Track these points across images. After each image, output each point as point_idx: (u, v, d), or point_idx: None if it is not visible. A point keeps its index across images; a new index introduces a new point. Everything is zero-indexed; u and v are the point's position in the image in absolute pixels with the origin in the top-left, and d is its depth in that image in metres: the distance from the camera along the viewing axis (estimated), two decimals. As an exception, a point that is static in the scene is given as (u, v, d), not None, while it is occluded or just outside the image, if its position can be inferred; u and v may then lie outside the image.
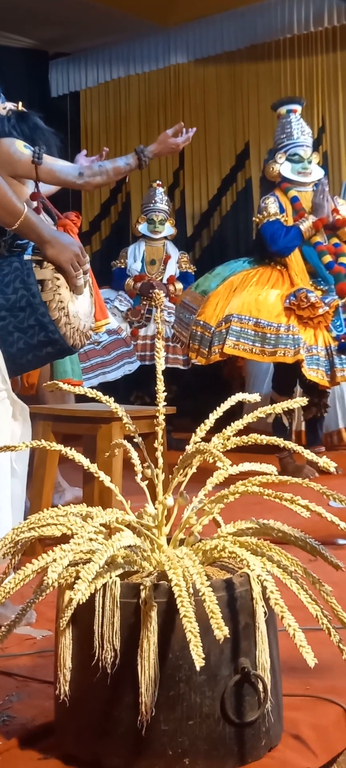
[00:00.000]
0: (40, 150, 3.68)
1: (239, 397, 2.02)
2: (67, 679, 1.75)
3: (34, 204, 3.90)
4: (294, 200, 5.72)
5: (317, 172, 5.84)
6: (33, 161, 3.67)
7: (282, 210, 5.66)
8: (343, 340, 5.44)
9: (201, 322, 5.47)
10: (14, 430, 2.71)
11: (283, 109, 5.95)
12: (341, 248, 5.75)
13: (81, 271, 2.84)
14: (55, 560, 1.67)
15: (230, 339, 5.28)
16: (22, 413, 2.74)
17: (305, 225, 5.60)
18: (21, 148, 3.68)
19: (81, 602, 1.62)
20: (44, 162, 3.70)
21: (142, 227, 7.65)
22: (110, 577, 1.72)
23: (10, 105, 3.89)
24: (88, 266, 2.90)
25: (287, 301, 5.31)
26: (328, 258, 5.62)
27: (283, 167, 5.75)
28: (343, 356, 5.39)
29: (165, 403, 1.95)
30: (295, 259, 5.57)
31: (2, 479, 2.64)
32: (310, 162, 5.79)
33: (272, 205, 5.66)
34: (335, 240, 5.78)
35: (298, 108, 5.97)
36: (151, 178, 8.70)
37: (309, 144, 5.87)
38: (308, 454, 1.91)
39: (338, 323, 5.48)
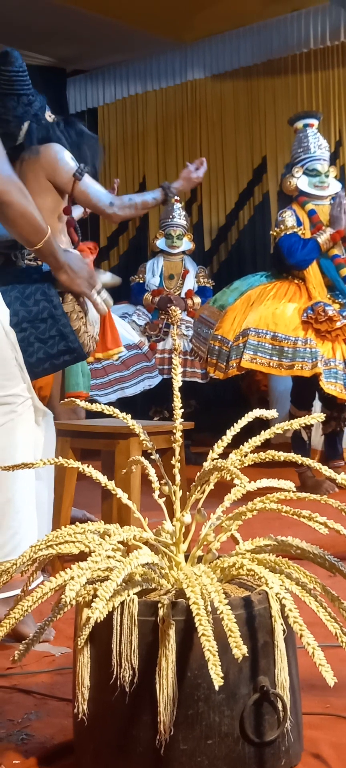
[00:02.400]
0: (83, 168, 3.86)
1: (256, 413, 2.01)
2: (86, 698, 1.75)
3: (67, 218, 4.03)
4: (311, 213, 5.71)
5: (334, 186, 5.83)
6: (74, 175, 3.85)
7: (299, 223, 5.65)
8: None
9: (219, 337, 5.46)
10: (37, 437, 2.74)
11: (300, 124, 5.95)
12: None
13: (95, 292, 2.86)
14: (72, 578, 1.66)
15: (248, 353, 5.27)
16: (45, 419, 2.77)
17: (323, 238, 5.58)
18: (67, 158, 3.88)
19: (99, 620, 1.61)
20: (83, 180, 3.85)
21: (160, 242, 7.66)
22: (128, 595, 1.72)
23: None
24: (101, 285, 2.92)
25: (305, 314, 5.30)
26: (345, 272, 5.60)
27: (300, 181, 5.74)
28: None
29: (182, 419, 1.95)
30: (313, 272, 5.56)
31: (26, 489, 2.64)
32: (327, 176, 5.78)
33: (289, 218, 5.65)
34: None
35: (315, 122, 5.96)
36: (168, 194, 8.70)
37: (326, 158, 5.85)
38: (326, 470, 1.90)
39: None
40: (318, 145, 5.83)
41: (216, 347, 5.45)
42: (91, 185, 3.95)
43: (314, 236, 5.59)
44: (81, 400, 2.03)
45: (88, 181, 3.92)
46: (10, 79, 3.95)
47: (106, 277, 5.77)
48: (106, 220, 4.36)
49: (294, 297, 5.50)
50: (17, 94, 3.93)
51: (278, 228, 5.67)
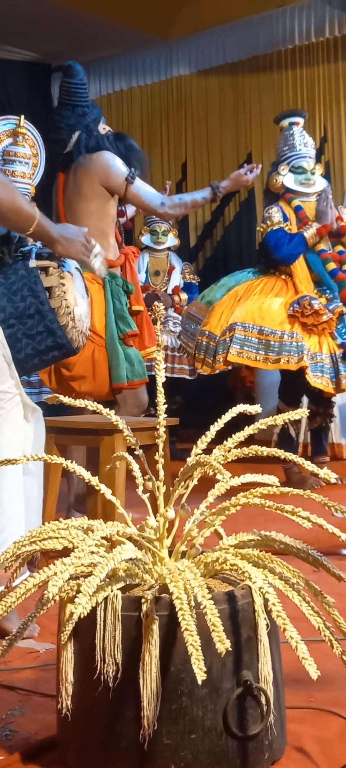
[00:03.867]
0: (134, 172, 4.27)
1: (240, 408, 2.01)
2: (69, 693, 1.75)
3: (123, 220, 4.32)
4: (298, 209, 5.72)
5: (320, 183, 5.84)
6: (126, 179, 4.23)
7: (286, 219, 5.66)
8: None
9: (206, 332, 5.47)
10: (27, 433, 2.74)
11: (285, 122, 5.96)
12: (345, 256, 5.75)
13: (93, 255, 2.88)
14: (55, 574, 1.66)
15: (234, 347, 5.29)
16: (34, 415, 2.77)
17: (309, 232, 5.60)
18: (119, 164, 4.24)
19: (82, 616, 1.61)
20: (134, 183, 4.24)
21: (145, 238, 7.66)
22: (112, 591, 1.72)
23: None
24: (97, 249, 2.92)
25: (291, 308, 5.32)
26: (332, 265, 5.61)
27: (286, 178, 5.75)
28: None
29: (167, 415, 1.95)
30: (299, 266, 5.57)
31: (13, 486, 2.65)
32: (313, 173, 5.79)
33: (275, 214, 5.66)
34: (339, 248, 5.77)
35: (300, 120, 5.97)
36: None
37: (312, 155, 5.87)
38: (309, 465, 1.90)
39: (343, 330, 5.47)
40: (304, 143, 5.85)
41: (204, 343, 5.46)
42: (142, 187, 4.30)
43: (301, 231, 5.61)
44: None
45: (139, 183, 4.27)
46: (69, 90, 4.33)
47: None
48: (161, 219, 4.67)
49: (281, 292, 5.52)
50: (73, 104, 4.30)
51: (264, 224, 5.68)
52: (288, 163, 5.79)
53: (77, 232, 2.84)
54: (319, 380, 5.26)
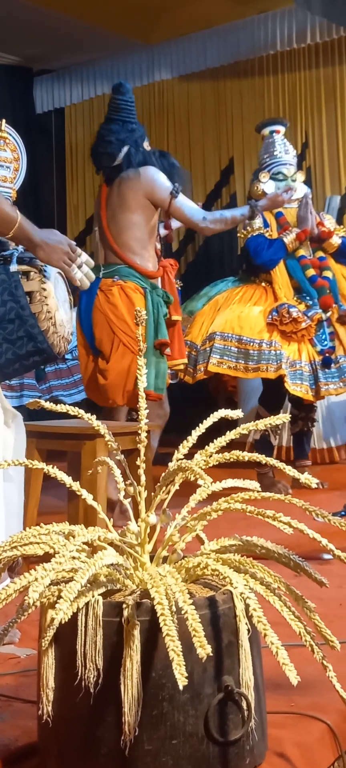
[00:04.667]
0: (178, 187, 4.49)
1: (221, 413, 2.02)
2: (50, 699, 1.74)
3: (164, 233, 4.51)
4: (278, 215, 5.74)
5: (301, 190, 5.86)
6: (171, 193, 4.49)
7: (266, 225, 5.67)
8: (327, 354, 5.45)
9: (188, 342, 5.50)
10: (7, 438, 2.72)
11: (266, 130, 5.97)
12: (325, 262, 5.77)
13: (76, 266, 2.86)
14: (36, 579, 1.66)
15: (214, 357, 5.33)
16: (14, 420, 2.76)
17: (289, 238, 5.62)
18: (163, 179, 4.51)
19: (63, 621, 1.61)
20: (178, 198, 4.49)
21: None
22: (93, 596, 1.71)
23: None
24: (83, 258, 2.90)
25: (270, 316, 5.34)
26: (312, 272, 5.63)
27: (267, 186, 5.77)
28: (327, 370, 5.42)
29: (147, 420, 1.95)
30: (279, 272, 5.59)
31: None
32: (294, 180, 5.81)
33: (256, 220, 5.67)
34: (320, 254, 5.79)
35: (281, 129, 5.99)
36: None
37: (293, 163, 5.89)
38: (290, 470, 1.91)
39: (322, 337, 5.50)
40: (285, 150, 5.87)
41: (185, 353, 5.47)
42: (185, 202, 4.57)
43: (281, 236, 5.62)
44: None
45: (182, 198, 4.53)
46: (118, 107, 4.59)
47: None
48: (199, 233, 5.26)
49: (260, 300, 5.54)
50: (122, 120, 4.56)
51: (245, 230, 5.69)
52: (268, 170, 5.81)
53: (62, 240, 2.82)
54: (298, 388, 5.28)
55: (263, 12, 8.14)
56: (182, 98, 8.98)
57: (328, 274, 5.71)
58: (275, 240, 5.59)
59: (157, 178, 4.50)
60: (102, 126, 4.72)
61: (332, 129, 8.15)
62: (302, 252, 5.67)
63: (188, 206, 4.61)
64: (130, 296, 4.52)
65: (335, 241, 5.79)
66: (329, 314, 5.55)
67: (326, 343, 5.50)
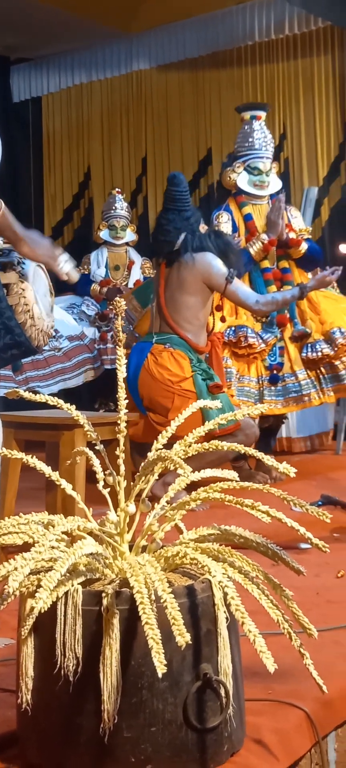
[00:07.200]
0: (233, 272, 4.78)
1: (200, 404, 2.03)
2: (30, 688, 1.75)
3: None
4: (247, 218, 5.74)
5: (274, 184, 5.86)
6: (226, 278, 4.77)
7: (235, 229, 5.68)
8: (275, 371, 5.48)
9: (136, 335, 5.48)
10: None
11: (247, 114, 5.94)
12: (288, 275, 5.76)
13: (62, 260, 2.86)
14: (16, 569, 1.66)
15: None
16: None
17: (255, 248, 5.62)
18: (220, 265, 4.78)
19: (42, 611, 1.61)
20: (233, 283, 4.79)
21: (103, 233, 7.67)
22: (72, 585, 1.72)
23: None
24: (65, 257, 2.91)
25: (227, 336, 5.35)
26: (273, 289, 5.63)
27: (240, 178, 5.77)
28: (273, 388, 5.45)
29: (127, 410, 1.95)
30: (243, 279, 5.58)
31: None
32: (268, 174, 5.80)
33: (224, 225, 5.67)
34: (284, 264, 5.78)
35: (263, 114, 5.97)
36: (113, 183, 8.72)
37: (270, 155, 5.86)
38: (269, 460, 1.92)
39: (272, 351, 5.53)
40: (264, 140, 5.84)
41: (131, 344, 5.44)
42: (239, 287, 4.88)
43: (247, 246, 5.62)
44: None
45: (237, 283, 4.84)
46: (173, 198, 4.88)
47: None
48: (252, 315, 5.38)
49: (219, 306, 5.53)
50: (178, 210, 4.84)
51: None
52: (244, 161, 5.79)
53: (45, 242, 2.83)
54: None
55: (242, 2, 8.14)
56: (161, 88, 8.96)
57: (288, 288, 5.71)
58: (242, 252, 5.57)
59: (214, 264, 4.79)
60: (160, 215, 5.01)
61: (309, 120, 8.17)
62: (267, 264, 5.69)
63: (243, 290, 4.91)
64: (179, 360, 4.78)
65: (302, 247, 5.79)
66: (286, 334, 5.59)
67: (274, 358, 5.53)
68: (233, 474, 1.95)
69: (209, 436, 4.12)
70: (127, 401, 1.95)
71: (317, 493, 4.50)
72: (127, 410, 1.94)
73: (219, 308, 5.13)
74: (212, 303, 4.98)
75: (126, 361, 1.99)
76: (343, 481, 5.18)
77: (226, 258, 4.84)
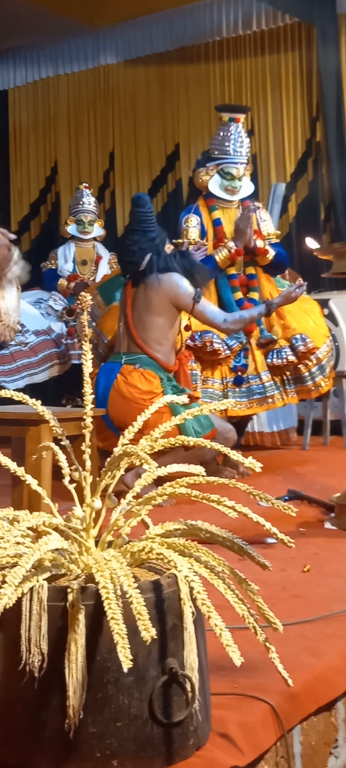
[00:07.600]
0: (200, 292, 4.81)
1: (167, 399, 2.03)
2: (-5, 685, 1.74)
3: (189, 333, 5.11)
4: (216, 223, 5.75)
5: (246, 189, 5.86)
6: (193, 298, 4.78)
7: (204, 233, 5.69)
8: (239, 373, 5.51)
9: (98, 331, 5.48)
10: None
11: (225, 116, 5.90)
12: (254, 281, 5.79)
13: (13, 262, 2.85)
14: (-19, 565, 1.65)
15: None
16: None
17: (222, 256, 5.63)
18: (186, 285, 4.80)
19: (7, 607, 1.60)
20: (200, 303, 4.81)
21: (71, 228, 7.65)
22: (37, 581, 1.71)
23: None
24: (16, 254, 2.91)
25: (192, 341, 5.36)
26: (239, 295, 5.68)
27: (212, 181, 5.77)
28: (237, 389, 5.48)
29: (93, 406, 1.95)
30: (210, 290, 5.59)
31: None
32: (240, 180, 5.81)
33: (192, 230, 5.68)
34: (251, 270, 5.80)
35: (241, 117, 5.95)
36: (80, 178, 8.69)
37: (244, 160, 5.85)
38: (235, 455, 1.93)
39: (237, 359, 5.56)
40: (239, 145, 5.81)
41: (94, 341, 5.43)
42: (207, 306, 4.91)
43: (213, 254, 5.63)
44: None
45: (204, 302, 4.86)
46: (138, 219, 4.85)
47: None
48: (220, 332, 5.37)
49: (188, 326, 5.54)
50: (143, 230, 4.81)
51: (180, 238, 5.69)
52: (218, 164, 5.79)
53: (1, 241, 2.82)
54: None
55: (209, -2, 8.16)
56: (128, 83, 8.95)
57: (254, 295, 5.73)
58: (208, 258, 5.58)
59: (181, 284, 4.80)
60: (125, 236, 5.02)
61: (277, 116, 8.20)
62: (232, 270, 5.70)
63: (210, 309, 4.94)
64: (149, 379, 4.78)
65: (269, 255, 5.81)
66: (251, 340, 5.63)
67: (239, 359, 5.56)
68: (199, 469, 1.95)
69: (189, 448, 4.16)
70: (93, 396, 1.94)
71: (283, 488, 4.53)
72: (93, 405, 1.94)
73: (188, 328, 5.15)
74: (179, 323, 4.99)
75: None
76: (309, 476, 5.21)
77: (192, 278, 4.86)
